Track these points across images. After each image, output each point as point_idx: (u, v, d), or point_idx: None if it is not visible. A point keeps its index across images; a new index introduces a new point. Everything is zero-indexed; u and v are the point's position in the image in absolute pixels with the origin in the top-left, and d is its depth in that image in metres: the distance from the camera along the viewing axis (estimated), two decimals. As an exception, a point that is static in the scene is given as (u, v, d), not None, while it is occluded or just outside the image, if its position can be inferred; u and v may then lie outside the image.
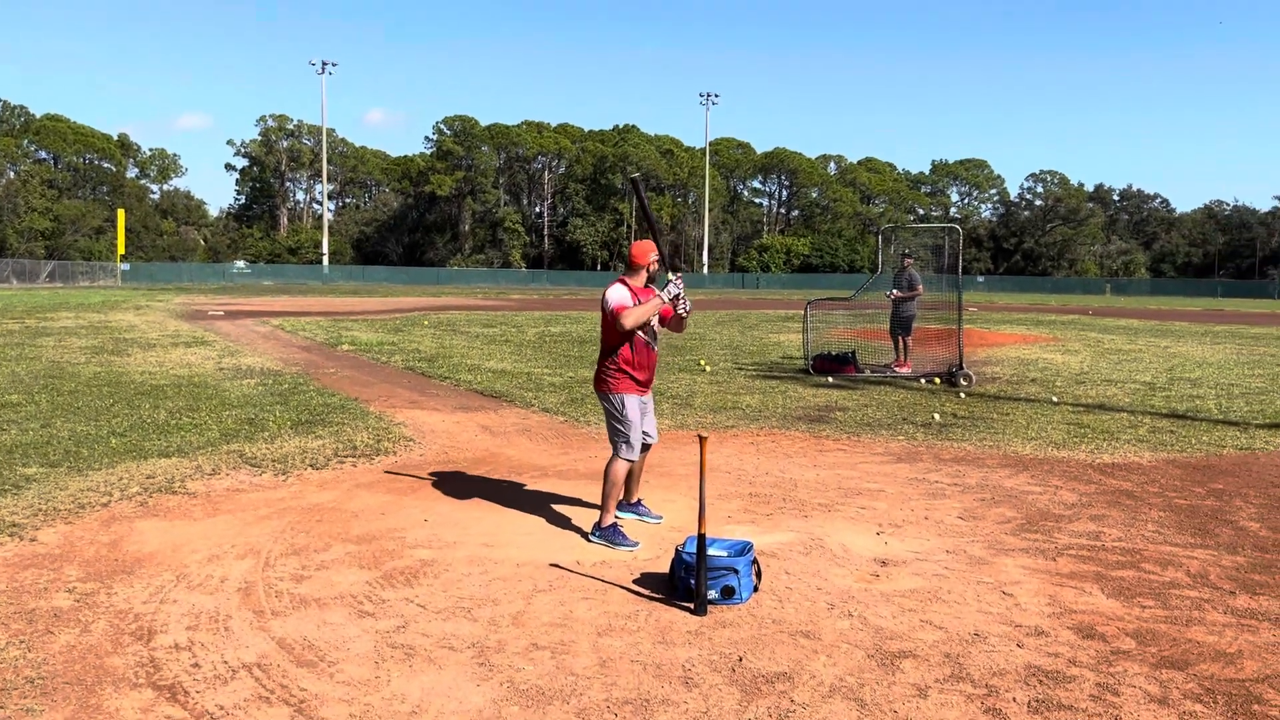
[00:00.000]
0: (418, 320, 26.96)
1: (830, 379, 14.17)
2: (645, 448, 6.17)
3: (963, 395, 12.59)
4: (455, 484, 7.32)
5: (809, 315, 16.13)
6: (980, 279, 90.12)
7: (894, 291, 15.07)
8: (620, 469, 5.93)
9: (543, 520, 6.34)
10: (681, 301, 5.88)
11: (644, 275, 5.98)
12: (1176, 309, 48.54)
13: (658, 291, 5.86)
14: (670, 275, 5.89)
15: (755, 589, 5.02)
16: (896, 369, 14.88)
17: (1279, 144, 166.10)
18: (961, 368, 13.77)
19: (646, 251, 5.98)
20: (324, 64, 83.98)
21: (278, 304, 36.63)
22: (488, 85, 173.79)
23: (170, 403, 10.77)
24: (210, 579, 5.11)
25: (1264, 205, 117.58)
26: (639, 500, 6.45)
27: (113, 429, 9.16)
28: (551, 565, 5.43)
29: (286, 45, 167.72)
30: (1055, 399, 12.28)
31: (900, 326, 15.22)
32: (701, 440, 4.94)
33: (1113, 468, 8.17)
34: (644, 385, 5.99)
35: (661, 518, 6.39)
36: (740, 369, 15.53)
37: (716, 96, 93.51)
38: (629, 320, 5.71)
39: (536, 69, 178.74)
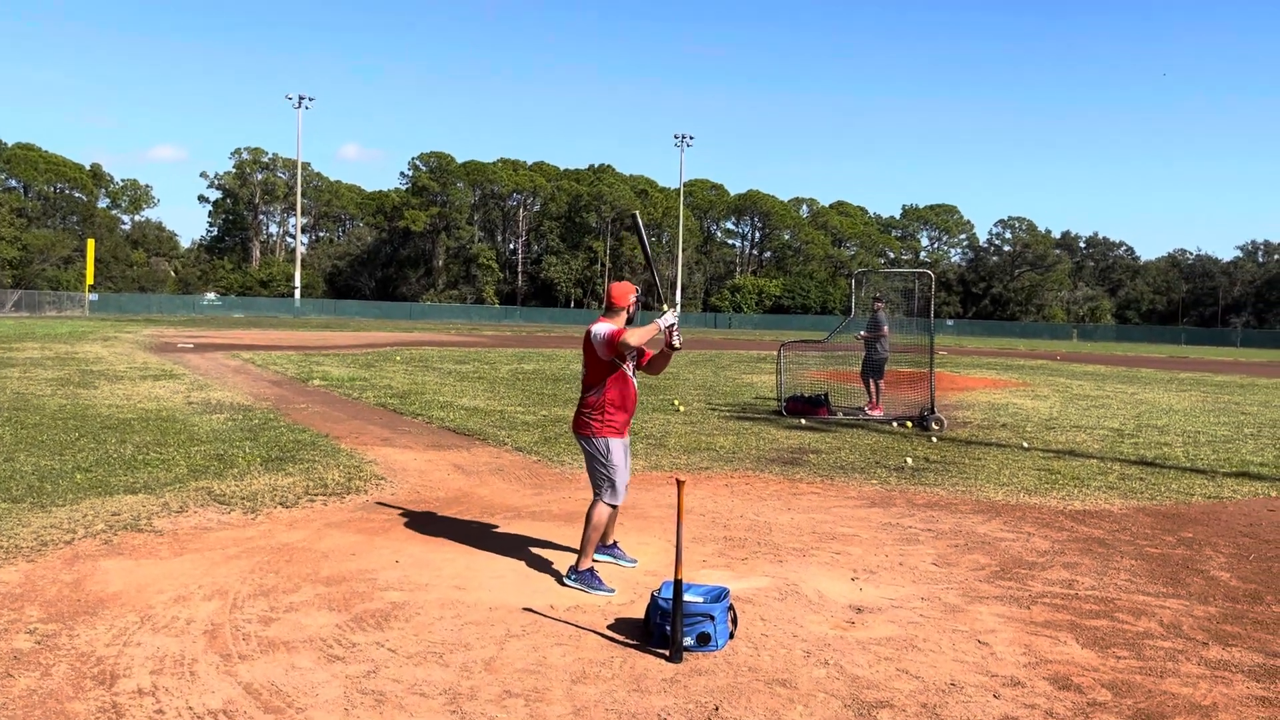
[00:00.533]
0: (390, 356, 26.80)
1: (803, 421, 14.21)
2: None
3: (934, 439, 12.66)
4: (427, 524, 7.24)
5: (782, 357, 16.20)
6: (950, 323, 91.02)
7: (863, 333, 15.20)
8: (603, 513, 5.90)
9: (516, 562, 6.28)
10: (675, 332, 5.82)
11: (624, 317, 5.95)
12: (1142, 355, 49.19)
13: (657, 321, 5.82)
14: (665, 306, 5.89)
15: (731, 635, 4.98)
16: (869, 411, 14.95)
17: (1240, 195, 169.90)
18: (933, 411, 13.85)
19: (626, 293, 6.00)
20: (301, 98, 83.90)
21: (248, 337, 36.31)
22: (464, 122, 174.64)
23: (137, 437, 10.60)
24: (176, 620, 5.00)
25: (1226, 255, 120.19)
26: (615, 543, 6.40)
27: (78, 464, 9.00)
28: (525, 609, 5.36)
29: (262, 79, 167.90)
30: (1026, 444, 12.37)
31: (872, 369, 15.32)
32: (679, 485, 4.92)
33: (1084, 515, 8.22)
34: (625, 427, 5.96)
35: (636, 561, 6.34)
36: (714, 409, 15.54)
37: (691, 138, 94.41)
38: (633, 339, 5.68)
39: (513, 107, 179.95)
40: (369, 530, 6.99)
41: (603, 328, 5.80)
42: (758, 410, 15.66)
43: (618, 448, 5.88)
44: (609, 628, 5.12)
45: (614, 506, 5.94)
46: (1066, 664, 4.74)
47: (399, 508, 7.75)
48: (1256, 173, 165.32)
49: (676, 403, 16.09)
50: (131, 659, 4.48)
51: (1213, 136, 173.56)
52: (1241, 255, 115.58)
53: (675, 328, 5.78)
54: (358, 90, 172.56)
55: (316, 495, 8.01)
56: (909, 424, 13.95)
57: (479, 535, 6.98)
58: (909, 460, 10.77)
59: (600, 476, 5.91)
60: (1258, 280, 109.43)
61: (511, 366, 24.20)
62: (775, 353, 15.95)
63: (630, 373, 5.95)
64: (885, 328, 15.13)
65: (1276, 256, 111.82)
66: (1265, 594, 6.04)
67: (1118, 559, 6.78)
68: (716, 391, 19.00)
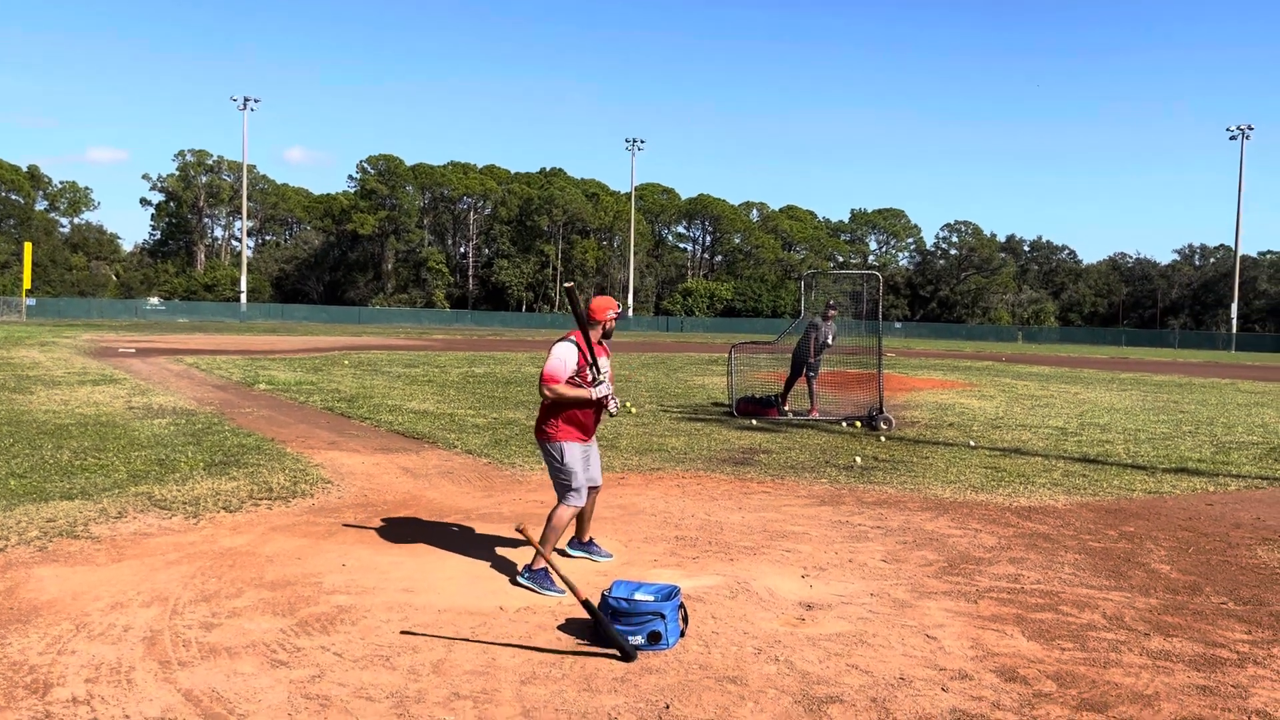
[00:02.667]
0: (338, 360, 26.46)
1: (754, 421, 14.27)
2: (596, 489, 6.24)
3: (883, 439, 12.77)
4: (375, 528, 7.14)
5: (733, 359, 16.26)
6: (898, 325, 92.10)
7: (830, 340, 15.29)
8: (563, 515, 5.93)
9: (465, 564, 6.21)
10: (612, 400, 5.92)
11: (601, 330, 6.02)
12: (1085, 356, 50.18)
13: (595, 381, 5.87)
14: (603, 375, 5.90)
15: (682, 634, 4.96)
16: (812, 414, 15.05)
17: (1176, 200, 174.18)
18: (881, 411, 13.98)
19: (605, 308, 6.04)
20: (246, 100, 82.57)
21: (193, 341, 35.63)
22: (413, 125, 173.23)
23: (75, 443, 10.33)
24: (113, 628, 4.87)
25: (1164, 258, 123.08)
26: (591, 539, 6.49)
27: (11, 470, 8.74)
28: (474, 611, 5.30)
29: (205, 80, 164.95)
30: (973, 443, 12.54)
31: (810, 369, 15.51)
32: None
33: (1029, 511, 8.34)
34: (587, 432, 6.02)
35: (611, 556, 6.45)
36: (666, 411, 15.55)
37: (642, 142, 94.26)
38: (551, 393, 5.83)
39: (463, 111, 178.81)
40: (315, 534, 6.87)
41: (554, 356, 5.87)
42: (709, 412, 15.70)
43: (573, 451, 5.92)
44: (559, 628, 5.09)
45: (575, 508, 5.96)
46: (1013, 656, 4.79)
47: (346, 511, 7.63)
48: (1192, 179, 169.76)
49: (629, 405, 16.07)
50: (66, 668, 4.35)
51: (1150, 144, 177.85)
52: (1178, 259, 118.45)
53: (611, 397, 5.91)
54: (304, 92, 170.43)
55: (261, 499, 7.86)
56: (858, 424, 14.07)
57: (428, 538, 6.89)
58: (858, 459, 10.86)
59: (558, 480, 5.96)
60: (1194, 283, 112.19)
61: (462, 370, 24.02)
62: (726, 355, 15.99)
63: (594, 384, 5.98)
64: (814, 334, 15.37)
65: (1212, 260, 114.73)
66: (1204, 585, 6.16)
67: (1062, 553, 6.88)
68: (668, 393, 19.02)
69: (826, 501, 8.55)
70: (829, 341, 15.16)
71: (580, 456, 5.97)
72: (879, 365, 14.74)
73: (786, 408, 15.15)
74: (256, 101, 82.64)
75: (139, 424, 11.91)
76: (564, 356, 5.86)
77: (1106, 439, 13.44)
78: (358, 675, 4.38)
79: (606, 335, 6.07)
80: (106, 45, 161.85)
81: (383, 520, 7.38)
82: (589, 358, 5.87)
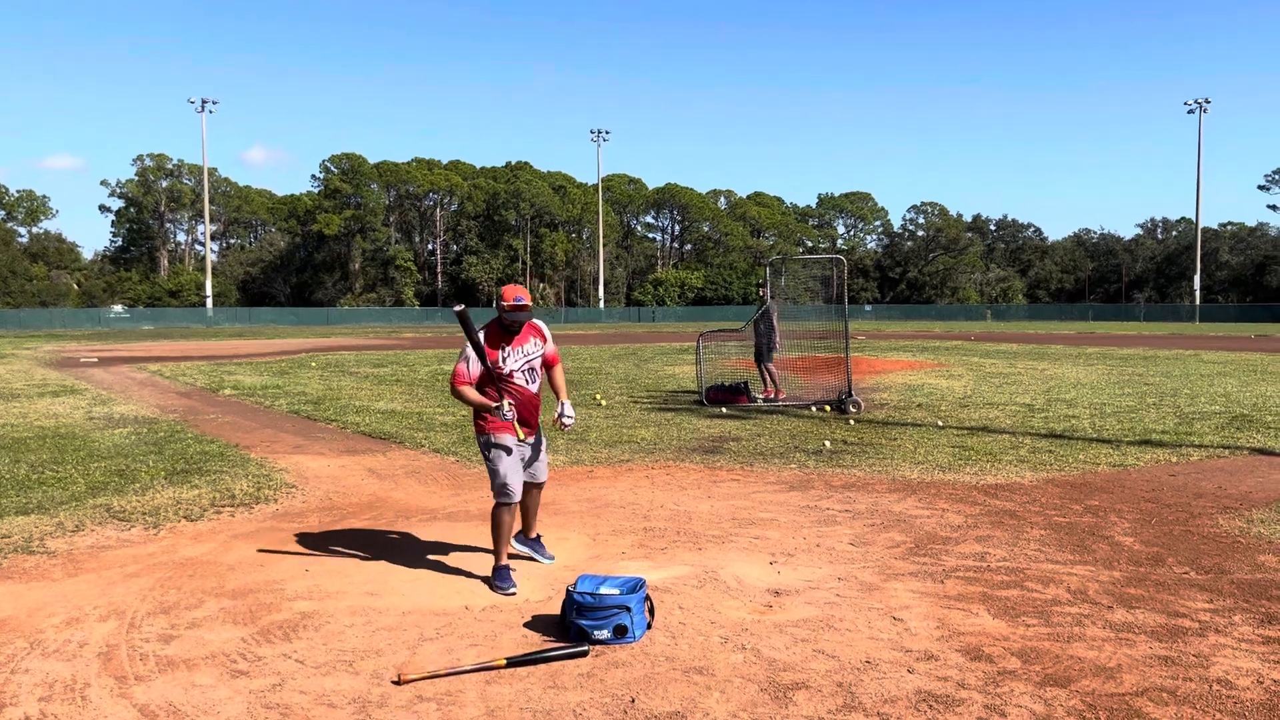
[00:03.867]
0: (305, 362, 26.22)
1: (724, 409, 14.27)
2: (538, 486, 6.11)
3: (852, 422, 12.81)
4: (339, 531, 7.06)
5: (701, 347, 16.25)
6: (868, 308, 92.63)
7: (766, 323, 15.40)
8: (499, 514, 5.78)
9: (431, 565, 6.15)
10: (564, 411, 6.00)
11: (512, 317, 5.75)
12: (1052, 333, 50.68)
13: (490, 409, 5.68)
14: (504, 400, 5.65)
15: (649, 626, 4.93)
16: (774, 399, 15.10)
17: (1138, 176, 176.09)
18: (850, 395, 14.02)
19: (506, 295, 5.77)
20: (204, 102, 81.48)
21: (157, 349, 35.19)
22: (375, 123, 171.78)
23: (32, 456, 10.15)
24: (68, 644, 4.78)
25: (1127, 233, 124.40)
26: (538, 536, 6.36)
27: (-33, 486, 8.57)
28: (439, 612, 5.25)
29: (160, 83, 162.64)
30: (941, 423, 12.60)
31: (764, 355, 15.59)
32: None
33: (996, 488, 8.38)
34: (521, 425, 5.79)
35: (554, 558, 6.26)
36: (636, 402, 15.52)
37: (607, 133, 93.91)
38: (462, 393, 5.75)
39: (425, 106, 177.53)
40: (278, 540, 6.78)
41: (461, 356, 5.76)
42: (679, 401, 15.69)
43: (499, 446, 5.73)
44: (525, 625, 5.04)
45: (508, 504, 5.76)
46: (978, 635, 4.80)
47: (310, 516, 7.54)
48: (1153, 153, 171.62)
49: (598, 397, 16.03)
50: (19, 686, 4.26)
51: (1111, 119, 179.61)
52: (1141, 233, 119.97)
53: (564, 413, 5.96)
54: (262, 92, 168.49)
55: (223, 507, 7.75)
56: (827, 408, 14.10)
57: (393, 539, 6.83)
58: (827, 443, 10.88)
59: (491, 475, 5.84)
60: (1158, 256, 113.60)
61: (431, 368, 23.88)
62: (695, 344, 16.00)
63: (523, 381, 5.83)
64: (775, 316, 15.47)
65: (1174, 233, 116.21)
66: (1166, 556, 6.21)
67: (1028, 530, 6.92)
68: (638, 384, 18.99)
69: (795, 487, 8.55)
70: (774, 318, 15.40)
71: (511, 452, 5.75)
72: (846, 349, 14.78)
73: (774, 396, 15.16)
74: (215, 103, 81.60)
75: (99, 434, 11.72)
76: (468, 355, 5.72)
77: (1073, 414, 13.56)
78: (319, 682, 4.32)
79: (514, 325, 5.75)
80: (61, 51, 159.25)
81: (347, 523, 7.30)
82: (497, 352, 5.70)
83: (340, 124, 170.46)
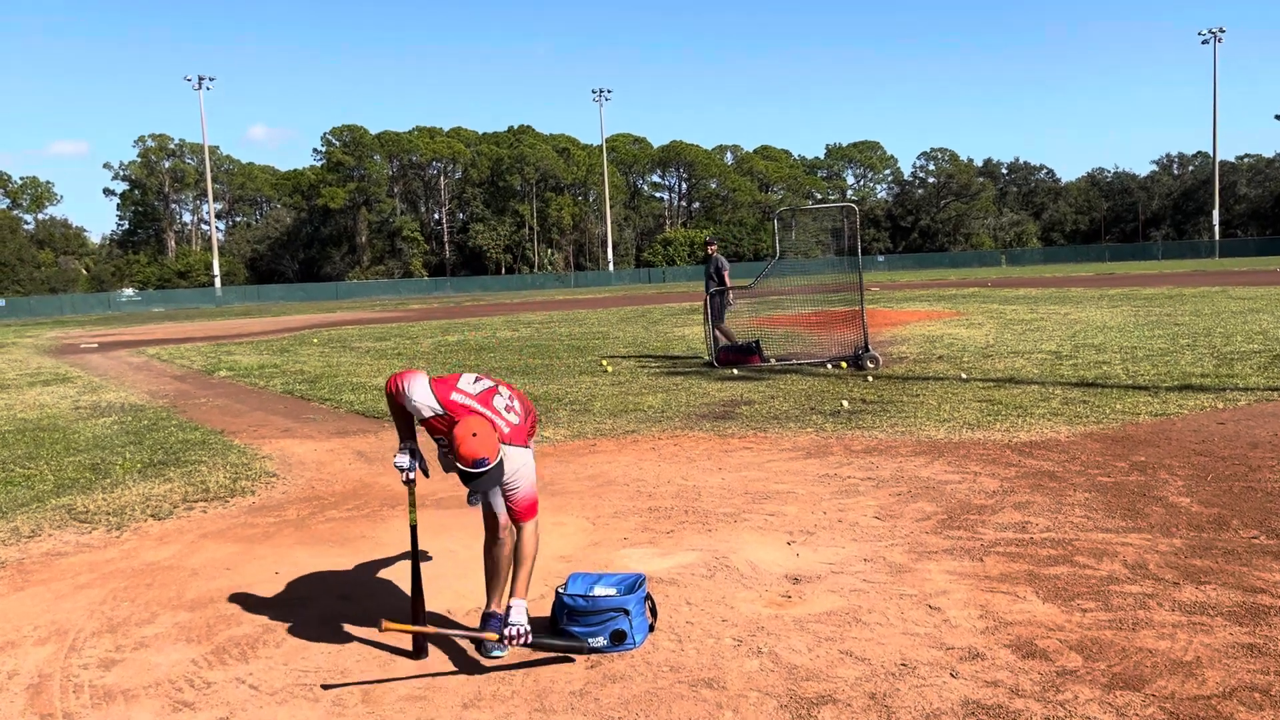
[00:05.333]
0: (307, 339, 25.66)
1: (735, 371, 13.64)
2: (493, 517, 4.42)
3: (870, 378, 12.15)
4: (318, 525, 6.49)
5: (709, 307, 15.57)
6: (880, 258, 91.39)
7: (718, 286, 15.01)
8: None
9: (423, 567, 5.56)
10: (403, 476, 4.39)
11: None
12: (1070, 275, 49.66)
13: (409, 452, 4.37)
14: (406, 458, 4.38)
15: (651, 628, 4.35)
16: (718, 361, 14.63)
17: (1152, 111, 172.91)
18: (867, 350, 13.36)
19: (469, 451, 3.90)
20: (200, 79, 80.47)
21: (161, 331, 34.73)
22: (375, 93, 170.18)
23: (6, 451, 9.62)
24: (-6, 676, 4.22)
25: (1143, 170, 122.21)
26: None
27: (-70, 489, 8.04)
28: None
29: (158, 63, 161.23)
30: (964, 375, 11.93)
31: (717, 317, 15.10)
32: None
33: (1031, 446, 7.73)
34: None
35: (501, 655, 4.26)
36: (643, 367, 14.89)
37: (609, 92, 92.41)
38: (388, 395, 4.39)
39: (424, 73, 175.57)
40: (250, 538, 6.22)
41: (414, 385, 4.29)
42: (689, 364, 15.06)
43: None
44: (513, 631, 4.45)
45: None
46: (1028, 625, 4.19)
47: (288, 508, 6.97)
48: (1167, 87, 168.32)
49: (605, 363, 15.42)
50: (-73, 733, 3.71)
51: (1122, 55, 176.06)
52: (1157, 169, 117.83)
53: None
54: (261, 69, 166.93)
55: (196, 502, 7.19)
56: (843, 364, 13.45)
57: (375, 532, 6.25)
58: (845, 403, 10.24)
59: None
60: (1174, 193, 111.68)
61: (434, 339, 23.29)
62: (703, 304, 15.31)
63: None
64: (726, 272, 15.12)
65: (1190, 168, 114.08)
66: (1230, 518, 5.57)
67: (1070, 493, 6.28)
68: (646, 347, 18.36)
69: (813, 453, 7.93)
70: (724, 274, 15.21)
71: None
72: (861, 302, 14.07)
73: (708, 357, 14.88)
74: (212, 80, 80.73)
75: (81, 425, 11.18)
76: (423, 393, 4.23)
77: (1103, 360, 12.86)
78: (273, 712, 3.76)
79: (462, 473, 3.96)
80: (60, 35, 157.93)
81: (328, 515, 6.73)
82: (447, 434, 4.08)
83: (340, 96, 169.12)
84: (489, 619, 4.39)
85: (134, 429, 10.71)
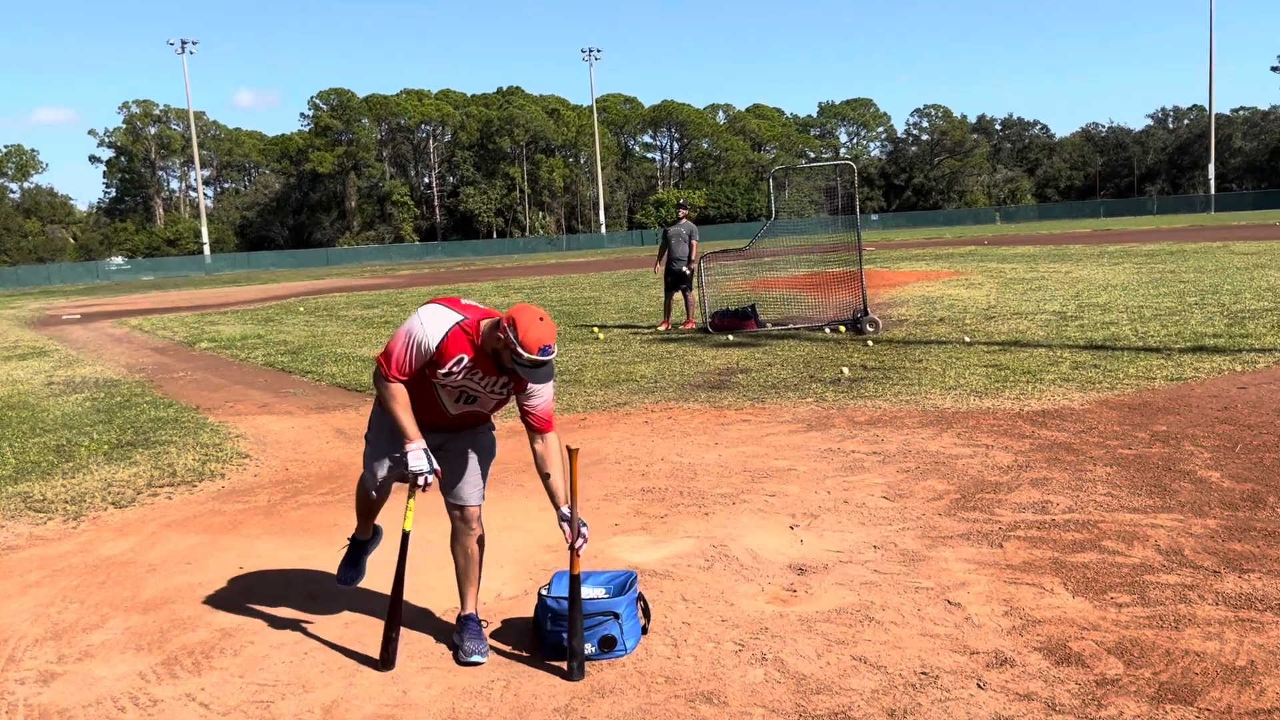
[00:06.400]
0: (293, 307, 25.16)
1: (730, 337, 13.21)
2: (456, 508, 4.03)
3: (870, 343, 11.74)
4: (288, 512, 6.08)
5: (703, 270, 15.12)
6: (875, 217, 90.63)
7: (692, 258, 14.72)
8: (357, 488, 4.33)
9: (387, 554, 5.15)
10: (421, 480, 3.73)
11: (509, 357, 3.56)
12: (1067, 232, 49.15)
13: (413, 451, 3.71)
14: (411, 454, 3.74)
15: (644, 630, 3.96)
16: (665, 328, 14.62)
17: (1147, 64, 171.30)
18: (866, 313, 12.93)
19: (533, 339, 3.51)
20: (184, 43, 78.96)
21: (146, 300, 34.15)
22: (360, 55, 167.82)
23: (-30, 433, 9.19)
24: (-81, 696, 3.82)
25: (1137, 124, 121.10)
26: (471, 615, 3.99)
27: (-116, 475, 7.61)
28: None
29: (141, 28, 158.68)
30: (968, 338, 11.52)
31: (684, 282, 14.75)
32: (571, 454, 3.81)
33: (1043, 416, 7.34)
34: (431, 421, 3.88)
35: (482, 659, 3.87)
36: (636, 334, 14.47)
37: (599, 51, 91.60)
38: (377, 380, 3.80)
39: (411, 34, 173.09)
40: (215, 527, 5.81)
41: (410, 329, 3.68)
42: (683, 331, 14.62)
43: (384, 426, 3.96)
44: (494, 635, 4.07)
45: (368, 488, 4.21)
46: (1059, 622, 3.81)
47: (259, 493, 6.56)
48: (1162, 40, 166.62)
49: (596, 330, 14.98)
50: None
51: (1116, 5, 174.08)
52: (1152, 123, 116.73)
53: (580, 535, 3.77)
54: (243, 31, 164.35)
55: (161, 487, 6.77)
56: (842, 329, 13.03)
57: (349, 518, 5.79)
58: (845, 370, 9.83)
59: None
60: (1169, 147, 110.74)
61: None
62: (697, 266, 14.85)
63: (452, 402, 3.86)
64: (694, 237, 14.85)
65: (1186, 121, 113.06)
66: (1266, 495, 5.18)
67: (1090, 467, 5.90)
68: (640, 313, 17.92)
69: (814, 426, 7.53)
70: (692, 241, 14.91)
71: (390, 438, 3.88)
72: (859, 262, 13.63)
73: (691, 325, 14.69)
74: (195, 44, 79.31)
75: (51, 403, 10.74)
76: (420, 337, 3.64)
77: (1110, 320, 12.45)
78: (224, 736, 3.37)
79: (512, 366, 3.59)
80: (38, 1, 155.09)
81: (301, 500, 6.32)
82: (464, 363, 3.67)
83: (326, 59, 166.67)
84: (466, 622, 4.00)
85: (105, 406, 10.28)
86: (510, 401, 3.94)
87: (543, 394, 3.78)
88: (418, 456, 3.71)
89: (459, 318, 3.68)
